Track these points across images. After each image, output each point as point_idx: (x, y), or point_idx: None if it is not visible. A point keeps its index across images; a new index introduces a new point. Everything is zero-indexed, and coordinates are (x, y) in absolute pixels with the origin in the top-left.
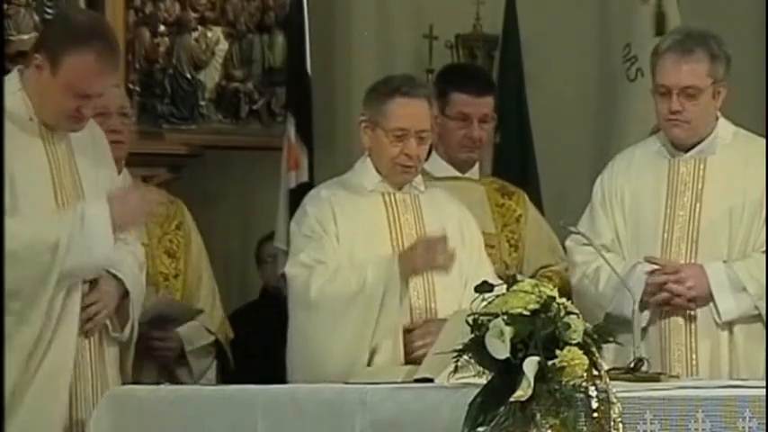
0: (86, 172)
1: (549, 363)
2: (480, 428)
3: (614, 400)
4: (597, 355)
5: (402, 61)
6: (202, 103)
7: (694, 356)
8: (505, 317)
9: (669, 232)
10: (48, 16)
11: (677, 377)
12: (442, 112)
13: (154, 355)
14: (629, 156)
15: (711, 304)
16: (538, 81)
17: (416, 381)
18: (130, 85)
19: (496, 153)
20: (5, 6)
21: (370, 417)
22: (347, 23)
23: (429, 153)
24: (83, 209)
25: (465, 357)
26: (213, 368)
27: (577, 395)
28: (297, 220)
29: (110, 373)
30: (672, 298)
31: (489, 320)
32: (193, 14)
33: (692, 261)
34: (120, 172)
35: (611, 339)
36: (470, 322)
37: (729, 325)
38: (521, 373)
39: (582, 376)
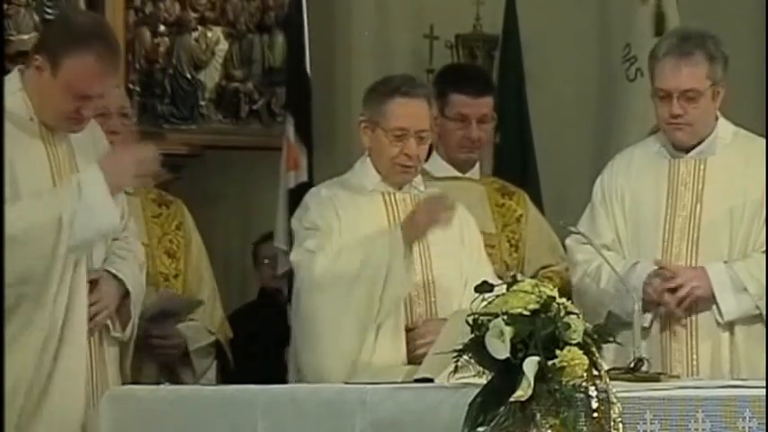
0: None
1: (549, 363)
2: (480, 428)
3: (614, 400)
4: (597, 355)
5: (402, 61)
6: (202, 103)
7: (695, 357)
8: (505, 317)
9: (670, 232)
10: (48, 16)
11: (677, 377)
12: (441, 113)
13: (157, 353)
14: (629, 156)
15: (710, 305)
16: (538, 81)
17: (416, 381)
18: (130, 85)
19: (497, 153)
20: (5, 6)
21: (370, 417)
22: (347, 23)
23: (429, 153)
24: (78, 179)
25: (465, 357)
26: (213, 368)
27: (577, 395)
28: (298, 216)
29: (110, 372)
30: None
31: (489, 320)
32: (193, 14)
33: (693, 261)
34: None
35: (611, 339)
36: (470, 322)
37: (730, 325)
38: (521, 373)
39: (582, 376)
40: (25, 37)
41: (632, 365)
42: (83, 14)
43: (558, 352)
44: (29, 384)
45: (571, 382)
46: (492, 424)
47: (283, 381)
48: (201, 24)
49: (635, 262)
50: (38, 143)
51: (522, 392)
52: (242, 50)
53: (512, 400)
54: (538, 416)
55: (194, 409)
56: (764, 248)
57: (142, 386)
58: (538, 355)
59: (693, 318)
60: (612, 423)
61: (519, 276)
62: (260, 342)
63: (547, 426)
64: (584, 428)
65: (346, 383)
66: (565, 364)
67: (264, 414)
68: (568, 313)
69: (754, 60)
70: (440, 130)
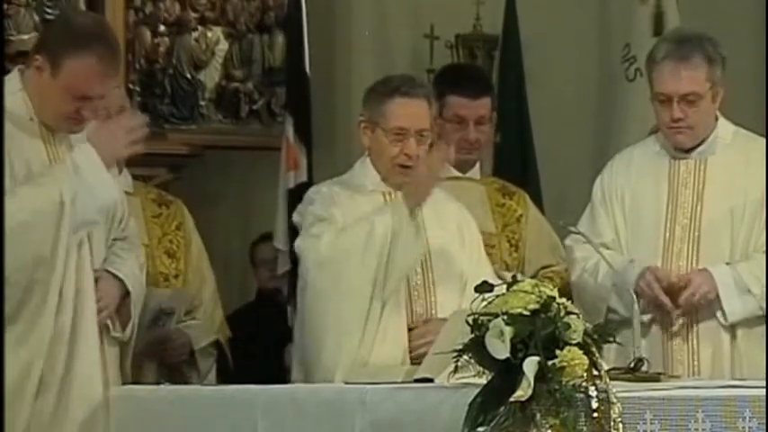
0: None
1: (549, 363)
2: (480, 428)
3: (614, 400)
4: (597, 355)
5: (402, 61)
6: (202, 103)
7: (696, 358)
8: (505, 317)
9: (670, 233)
10: (48, 16)
11: (677, 377)
12: (440, 114)
13: (166, 355)
14: (629, 156)
15: (713, 306)
16: (538, 81)
17: (416, 381)
18: (130, 85)
19: (497, 153)
20: (5, 6)
21: (370, 417)
22: (347, 23)
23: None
24: (72, 158)
25: (465, 357)
26: (213, 368)
27: (577, 395)
28: (301, 210)
29: (110, 373)
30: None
31: (489, 320)
32: (193, 14)
33: (694, 261)
34: (120, 172)
35: (611, 339)
36: (470, 322)
37: (732, 327)
38: (521, 373)
39: (582, 376)
40: (25, 37)
41: (632, 365)
42: (83, 15)
43: (558, 352)
44: (44, 372)
45: (571, 382)
46: (492, 424)
47: (283, 381)
48: (201, 24)
49: (632, 259)
50: (38, 143)
51: (522, 392)
52: (242, 50)
53: (512, 400)
54: (538, 416)
55: (194, 409)
56: (765, 249)
57: (142, 386)
58: (538, 355)
59: (694, 318)
60: (612, 423)
61: (519, 276)
62: (259, 342)
63: (547, 426)
64: (584, 428)
65: (346, 383)
66: (565, 364)
67: (264, 414)
68: (568, 313)
69: (754, 60)
70: (438, 131)
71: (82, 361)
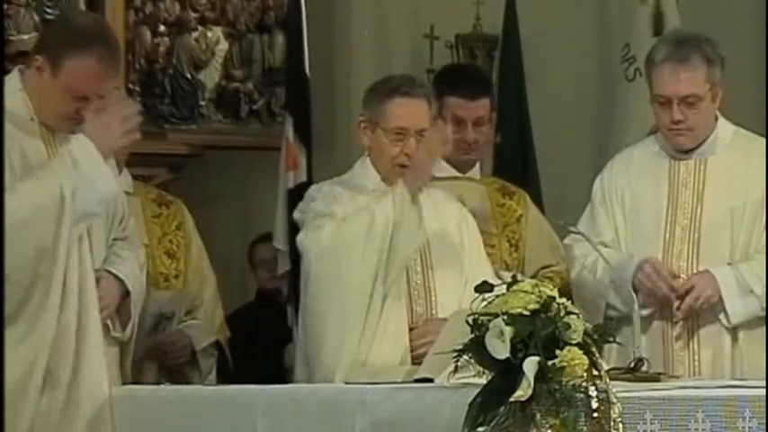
0: None
1: (549, 363)
2: (480, 428)
3: (614, 400)
4: (597, 355)
5: (402, 61)
6: (202, 103)
7: (697, 358)
8: (505, 317)
9: (670, 233)
10: (48, 16)
11: (677, 377)
12: (439, 114)
13: (169, 358)
14: (628, 156)
15: (716, 308)
16: (538, 81)
17: (416, 381)
18: (130, 85)
19: (497, 153)
20: (5, 6)
21: (370, 417)
22: (347, 24)
23: None
24: (70, 152)
25: (465, 357)
26: (213, 369)
27: (577, 395)
28: (302, 208)
29: (110, 372)
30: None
31: (489, 320)
32: (193, 14)
33: (694, 262)
34: (120, 172)
35: (611, 339)
36: (470, 322)
37: (733, 327)
38: (521, 373)
39: (582, 376)
40: (25, 37)
41: (632, 365)
42: (83, 15)
43: (558, 352)
44: (52, 369)
45: (571, 382)
46: (492, 424)
47: (283, 381)
48: (201, 24)
49: (631, 255)
50: (38, 143)
51: (522, 392)
52: (242, 50)
53: (512, 400)
54: (538, 416)
55: (194, 409)
56: (765, 250)
57: (142, 386)
58: (538, 355)
59: (695, 319)
60: (612, 423)
61: (519, 276)
62: (259, 342)
63: (547, 426)
64: (584, 428)
65: (346, 383)
66: (565, 364)
67: (264, 414)
68: (568, 313)
69: (754, 60)
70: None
71: (88, 359)
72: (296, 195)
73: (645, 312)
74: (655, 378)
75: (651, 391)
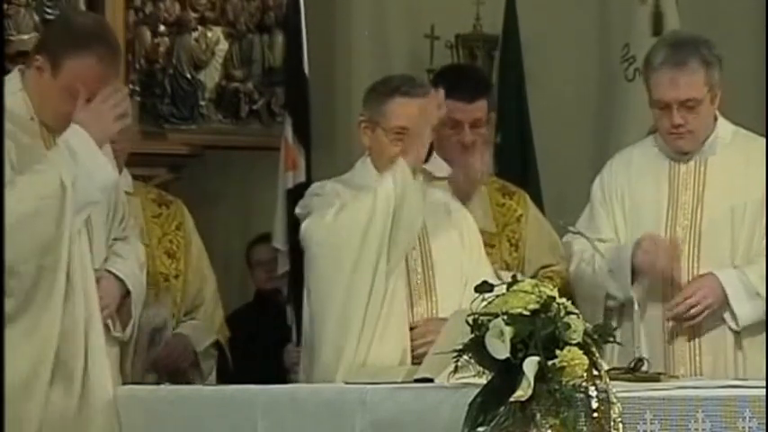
0: None
1: (549, 363)
2: (480, 428)
3: (614, 400)
4: (597, 355)
5: (402, 61)
6: (202, 103)
7: (698, 359)
8: (505, 317)
9: (671, 233)
10: (48, 16)
11: (677, 377)
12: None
13: (173, 367)
14: (628, 156)
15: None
16: (538, 81)
17: (416, 381)
18: (130, 85)
19: (497, 153)
20: (5, 6)
21: (370, 417)
22: (347, 24)
23: (429, 153)
24: (66, 142)
25: (465, 357)
26: (213, 369)
27: (577, 395)
28: (304, 203)
29: (111, 373)
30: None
31: (489, 320)
32: (193, 14)
33: (695, 262)
34: (120, 172)
35: (611, 339)
36: (470, 322)
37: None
38: (521, 373)
39: (582, 376)
40: (25, 37)
41: (632, 365)
42: (83, 15)
43: (558, 352)
44: (63, 361)
45: (571, 382)
46: (492, 424)
47: (283, 381)
48: (201, 24)
49: (623, 245)
50: (38, 143)
51: (522, 392)
52: (242, 50)
53: (512, 400)
54: (538, 416)
55: (194, 409)
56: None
57: (143, 386)
58: (538, 355)
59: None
60: (612, 423)
61: (519, 276)
62: (259, 343)
63: (547, 426)
64: (584, 428)
65: (346, 383)
66: (565, 364)
67: (264, 414)
68: (568, 313)
69: (754, 60)
70: (436, 134)
71: (95, 357)
72: (295, 195)
73: (645, 284)
74: (655, 378)
75: (651, 391)
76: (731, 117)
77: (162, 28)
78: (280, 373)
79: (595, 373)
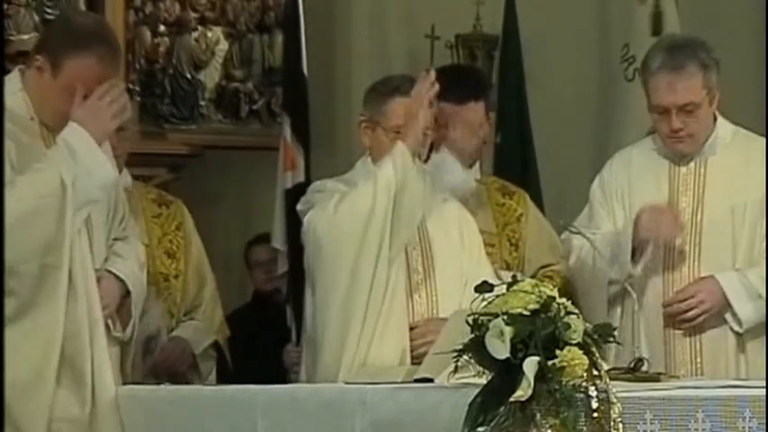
0: None
1: (549, 363)
2: (480, 428)
3: (614, 400)
4: (597, 355)
5: (402, 61)
6: (202, 103)
7: (699, 359)
8: (505, 317)
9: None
10: (48, 16)
11: (677, 377)
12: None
13: (173, 371)
14: (628, 155)
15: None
16: (538, 81)
17: (416, 381)
18: (130, 85)
19: (496, 153)
20: (5, 6)
21: (370, 417)
22: (347, 24)
23: (430, 152)
24: (64, 141)
25: (465, 357)
26: (213, 370)
27: (577, 395)
28: (306, 200)
29: (113, 373)
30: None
31: (489, 320)
32: (193, 14)
33: (696, 263)
34: (120, 171)
35: (611, 339)
36: (470, 322)
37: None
38: (521, 373)
39: (582, 376)
40: (25, 37)
41: (632, 365)
42: (84, 15)
43: (558, 352)
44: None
45: (571, 382)
46: (492, 424)
47: (283, 381)
48: (201, 24)
49: (621, 231)
50: (38, 143)
51: (522, 392)
52: (242, 50)
53: (512, 400)
54: (538, 416)
55: (194, 409)
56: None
57: (143, 386)
58: (538, 355)
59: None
60: (612, 423)
61: (519, 276)
62: (258, 343)
63: (547, 426)
64: (584, 428)
65: (346, 383)
66: (565, 364)
67: (264, 414)
68: (568, 313)
69: (754, 60)
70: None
71: (99, 357)
72: (294, 195)
73: (639, 269)
74: (655, 378)
75: (651, 391)
76: (731, 117)
77: (162, 28)
78: (279, 374)
79: (595, 373)
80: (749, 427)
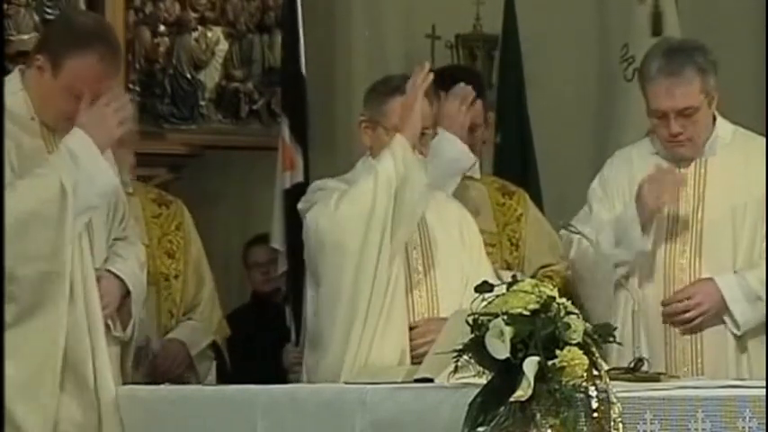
0: None
1: (549, 363)
2: (480, 428)
3: (614, 400)
4: (597, 355)
5: (402, 61)
6: (202, 103)
7: (700, 360)
8: (505, 317)
9: (672, 234)
10: (48, 16)
11: (677, 377)
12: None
13: (169, 371)
14: (628, 155)
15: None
16: (538, 81)
17: (416, 381)
18: (130, 85)
19: (496, 153)
20: (5, 6)
21: (370, 417)
22: (347, 24)
23: None
24: (67, 147)
25: (465, 357)
26: (212, 370)
27: (577, 395)
28: (306, 199)
29: (112, 372)
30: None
31: (489, 320)
32: (193, 14)
33: (696, 263)
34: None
35: (611, 339)
36: (470, 322)
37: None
38: (521, 373)
39: (582, 376)
40: (25, 37)
41: (632, 365)
42: (84, 15)
43: (558, 352)
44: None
45: (571, 382)
46: (492, 424)
47: (282, 381)
48: (201, 24)
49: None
50: (39, 143)
51: (522, 392)
52: (242, 50)
53: (512, 400)
54: (538, 416)
55: (194, 409)
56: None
57: (143, 386)
58: (538, 355)
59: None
60: (612, 423)
61: (519, 276)
62: (257, 343)
63: (547, 426)
64: (585, 428)
65: (346, 383)
66: (565, 364)
67: (264, 414)
68: (568, 313)
69: (754, 60)
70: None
71: (100, 357)
72: (293, 195)
73: (648, 246)
74: (655, 378)
75: (651, 391)
76: (731, 117)
77: (162, 28)
78: (278, 374)
79: (595, 373)
80: (749, 427)
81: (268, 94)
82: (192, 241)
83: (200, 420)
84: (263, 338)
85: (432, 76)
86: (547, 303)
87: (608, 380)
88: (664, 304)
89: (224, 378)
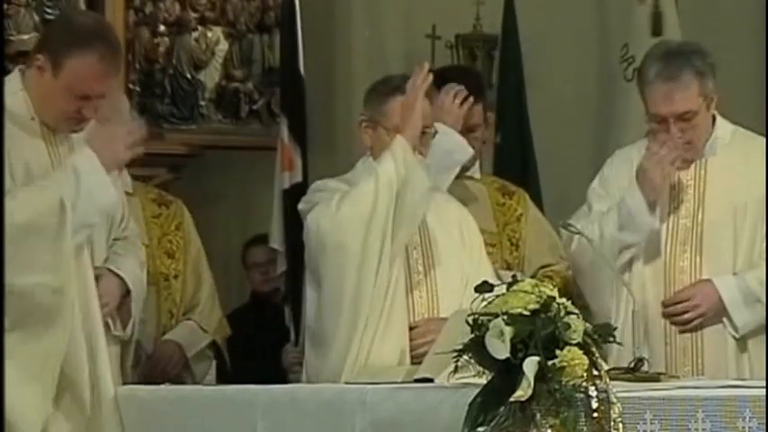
0: None
1: (549, 363)
2: (480, 428)
3: (614, 400)
4: (597, 354)
5: (402, 61)
6: (202, 103)
7: (700, 360)
8: (505, 317)
9: (672, 234)
10: (48, 16)
11: (677, 377)
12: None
13: (166, 373)
14: (628, 155)
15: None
16: (538, 81)
17: (416, 381)
18: (130, 85)
19: (496, 153)
20: (5, 6)
21: (370, 417)
22: (347, 24)
23: None
24: (73, 163)
25: (465, 357)
26: (211, 370)
27: (577, 395)
28: (307, 199)
29: (112, 372)
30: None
31: (489, 320)
32: (193, 14)
33: (697, 263)
34: (120, 171)
35: (611, 339)
36: (470, 322)
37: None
38: (521, 373)
39: (582, 376)
40: (25, 37)
41: (632, 365)
42: (84, 15)
43: (558, 352)
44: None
45: (571, 382)
46: (492, 424)
47: (282, 381)
48: (201, 24)
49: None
50: (39, 143)
51: (522, 392)
52: (242, 50)
53: (512, 400)
54: (538, 416)
55: (194, 409)
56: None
57: (143, 386)
58: (538, 355)
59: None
60: (612, 423)
61: (519, 276)
62: (256, 344)
63: (547, 426)
64: (585, 428)
65: (346, 383)
66: (565, 364)
67: (264, 414)
68: (568, 313)
69: (754, 60)
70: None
71: (100, 362)
72: (292, 196)
73: (656, 224)
74: (655, 378)
75: (651, 391)
76: (731, 117)
77: (162, 28)
78: (278, 374)
79: (595, 373)
80: (749, 427)
81: (268, 94)
82: (192, 241)
83: (199, 420)
84: (263, 338)
85: (431, 76)
86: (547, 303)
87: (608, 380)
88: (664, 305)
89: (224, 378)
